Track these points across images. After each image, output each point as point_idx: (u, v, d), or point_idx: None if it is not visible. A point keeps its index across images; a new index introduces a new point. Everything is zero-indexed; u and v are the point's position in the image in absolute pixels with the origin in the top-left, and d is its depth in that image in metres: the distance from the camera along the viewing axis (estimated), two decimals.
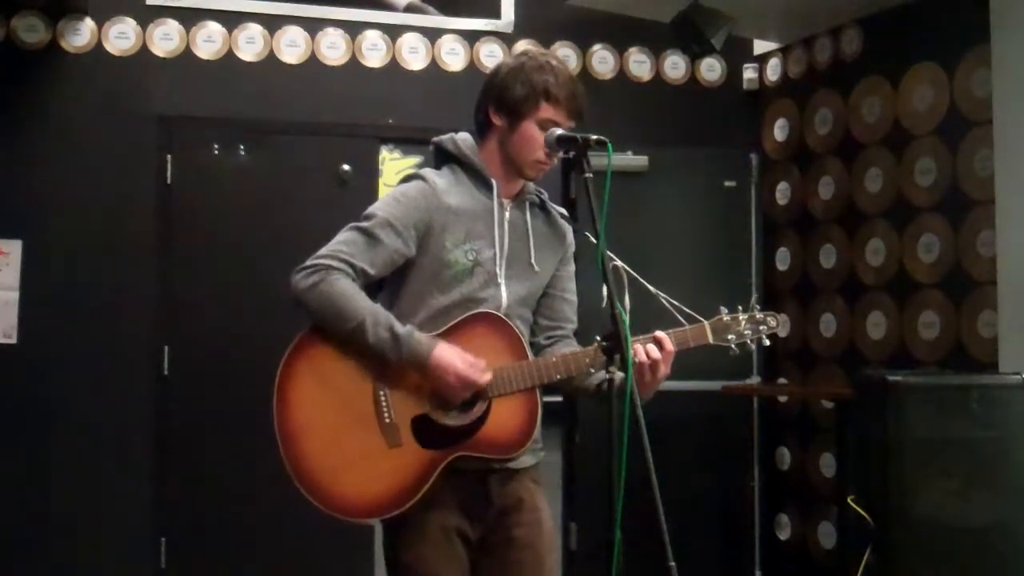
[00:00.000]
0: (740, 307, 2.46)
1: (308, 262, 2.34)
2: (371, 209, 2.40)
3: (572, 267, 2.59)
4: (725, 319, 2.42)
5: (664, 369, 2.33)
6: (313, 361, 2.36)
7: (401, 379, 2.33)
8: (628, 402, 2.07)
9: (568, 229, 2.59)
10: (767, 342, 2.48)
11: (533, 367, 2.35)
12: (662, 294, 2.47)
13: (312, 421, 2.33)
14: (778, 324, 2.47)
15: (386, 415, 2.32)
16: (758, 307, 2.47)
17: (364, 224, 2.37)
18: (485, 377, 2.30)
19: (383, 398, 2.33)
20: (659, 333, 2.35)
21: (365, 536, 4.65)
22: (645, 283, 2.46)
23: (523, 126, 2.40)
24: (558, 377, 2.35)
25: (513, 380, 2.33)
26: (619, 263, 2.42)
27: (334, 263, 2.32)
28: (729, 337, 2.42)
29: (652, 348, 2.32)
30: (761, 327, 2.45)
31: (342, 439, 2.32)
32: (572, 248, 2.59)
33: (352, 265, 2.33)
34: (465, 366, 2.28)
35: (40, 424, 4.53)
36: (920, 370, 4.43)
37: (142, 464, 4.65)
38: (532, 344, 2.49)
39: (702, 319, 2.42)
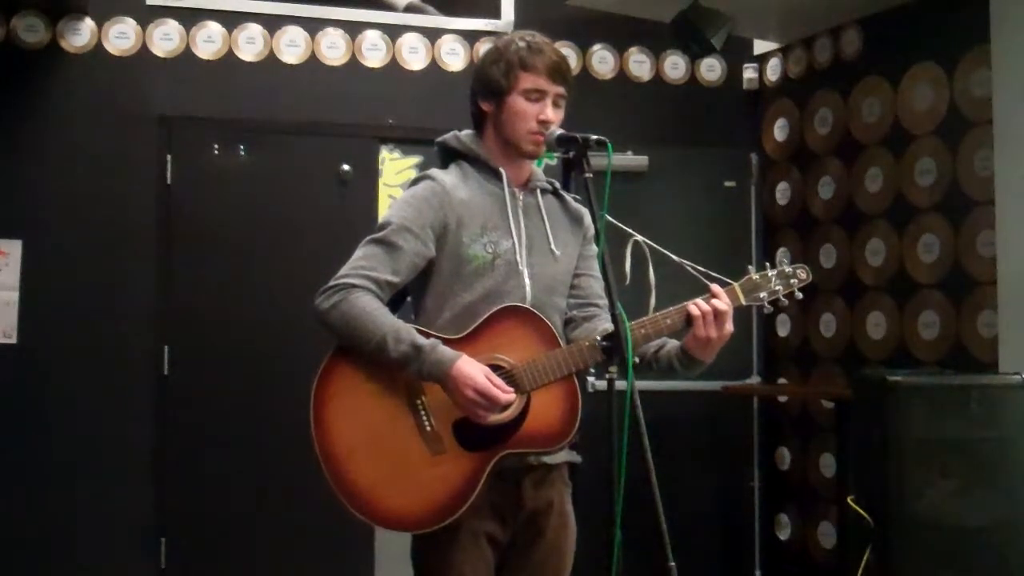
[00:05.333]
0: (768, 264, 2.44)
1: (330, 282, 2.30)
2: (384, 218, 2.38)
3: (595, 248, 2.53)
4: (754, 278, 2.39)
5: (729, 325, 2.31)
6: (344, 381, 2.31)
7: (436, 386, 2.28)
8: (628, 402, 2.06)
9: (584, 212, 2.55)
10: (800, 295, 2.41)
11: (567, 354, 2.30)
12: (687, 262, 2.44)
13: (353, 440, 2.28)
14: (808, 276, 2.42)
15: (426, 424, 2.29)
16: (786, 260, 2.44)
17: (380, 234, 2.34)
18: (508, 397, 2.24)
19: (420, 407, 2.29)
20: (714, 286, 2.33)
21: (365, 536, 4.65)
22: (668, 254, 2.44)
23: (508, 101, 2.39)
24: (594, 361, 2.31)
25: (548, 371, 2.29)
26: (639, 238, 2.40)
27: (355, 280, 2.29)
28: (761, 295, 2.38)
29: (716, 302, 2.30)
30: (792, 280, 2.40)
31: (385, 454, 2.27)
32: (591, 230, 2.54)
33: (375, 279, 2.30)
34: (487, 382, 2.23)
35: (40, 424, 4.53)
36: (920, 370, 4.43)
37: (142, 464, 4.65)
38: (569, 321, 2.47)
39: (731, 281, 2.38)
